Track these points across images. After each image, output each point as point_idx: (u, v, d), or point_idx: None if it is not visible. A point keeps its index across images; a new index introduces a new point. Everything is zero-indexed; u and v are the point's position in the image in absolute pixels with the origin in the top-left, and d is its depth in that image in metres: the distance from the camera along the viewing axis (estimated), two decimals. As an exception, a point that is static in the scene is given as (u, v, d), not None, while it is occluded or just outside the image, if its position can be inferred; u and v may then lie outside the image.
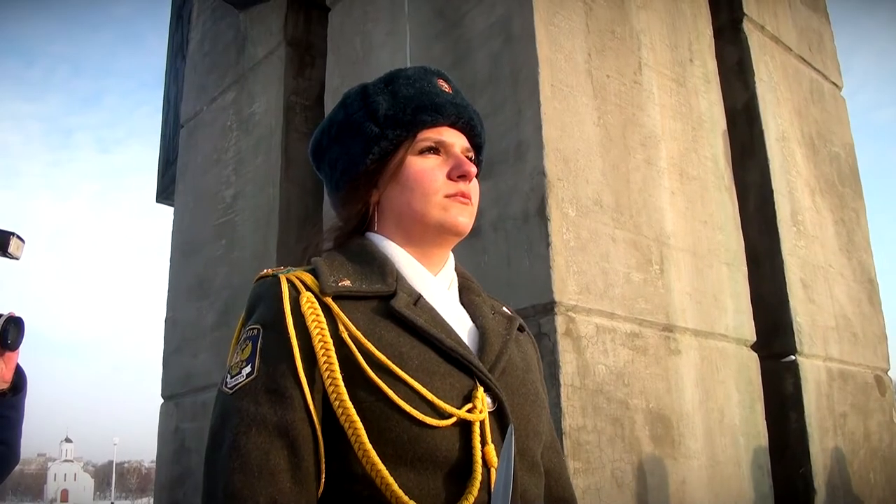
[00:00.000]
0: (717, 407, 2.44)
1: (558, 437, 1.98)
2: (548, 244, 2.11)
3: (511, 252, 2.22)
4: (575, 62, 2.39)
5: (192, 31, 4.27)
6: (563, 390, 2.01)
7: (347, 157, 1.10)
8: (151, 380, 3.85)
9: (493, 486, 0.93)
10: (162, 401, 3.74)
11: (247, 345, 0.98)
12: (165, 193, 4.86)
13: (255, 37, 3.62)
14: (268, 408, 0.91)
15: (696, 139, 2.73)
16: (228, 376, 0.97)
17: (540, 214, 2.15)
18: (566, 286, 2.10)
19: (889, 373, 3.72)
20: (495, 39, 2.44)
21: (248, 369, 0.95)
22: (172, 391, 3.67)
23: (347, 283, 1.00)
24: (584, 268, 2.17)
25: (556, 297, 2.07)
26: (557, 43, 2.36)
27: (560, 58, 2.35)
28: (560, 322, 2.06)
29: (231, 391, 0.94)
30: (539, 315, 2.10)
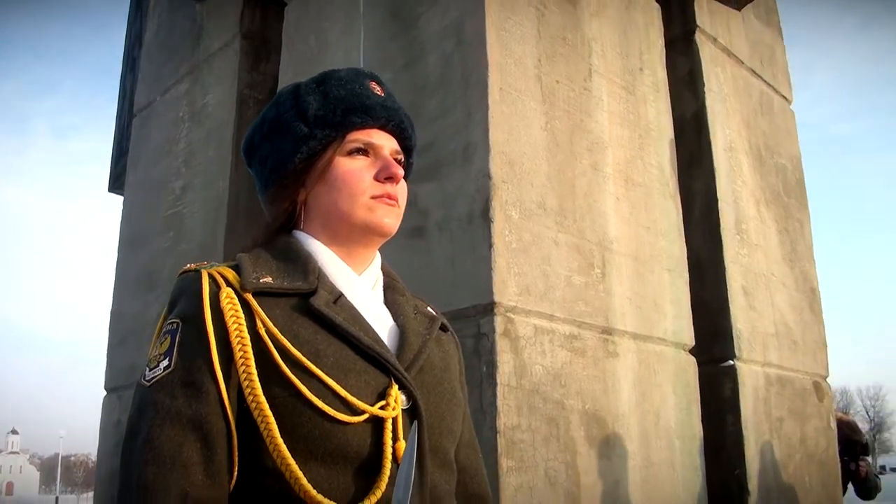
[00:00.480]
0: (653, 409, 2.49)
1: (493, 435, 2.02)
2: (490, 245, 2.14)
3: (455, 252, 2.25)
4: (525, 67, 2.43)
5: (149, 21, 4.23)
6: (499, 389, 2.03)
7: (277, 155, 1.12)
8: (100, 373, 3.80)
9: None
10: (105, 393, 3.69)
11: (166, 338, 0.99)
12: (118, 183, 4.81)
13: (211, 28, 3.59)
14: (183, 401, 0.93)
15: (643, 146, 2.78)
16: (147, 369, 0.98)
17: (484, 216, 2.18)
18: (506, 287, 2.13)
19: (828, 380, 3.82)
20: (448, 42, 2.46)
21: (165, 363, 0.96)
22: (116, 383, 3.63)
23: (269, 279, 1.02)
24: (526, 270, 2.20)
25: (496, 298, 2.10)
26: (508, 47, 2.39)
27: (510, 62, 2.38)
28: (499, 322, 2.08)
29: (149, 384, 0.96)
30: (479, 315, 2.12)
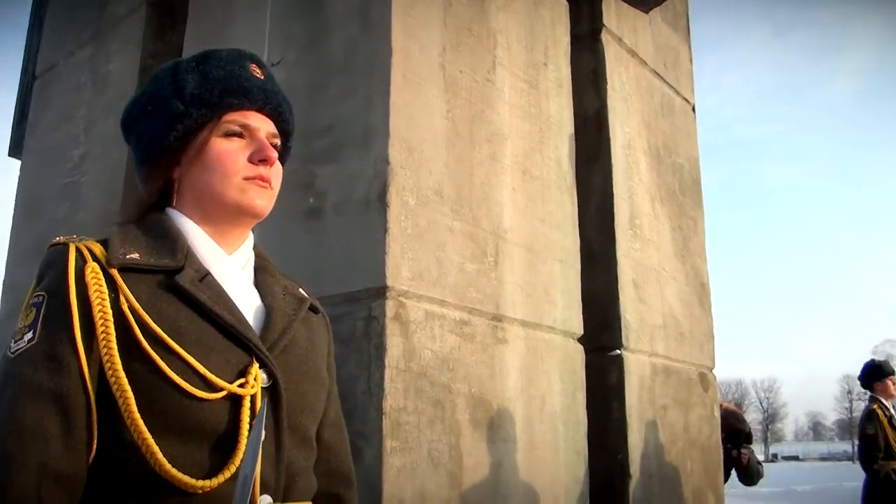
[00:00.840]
0: (539, 395, 2.58)
1: (378, 416, 2.06)
2: (385, 230, 2.17)
3: (350, 235, 2.27)
4: (429, 55, 2.46)
5: (55, -21, 4.06)
6: (387, 372, 2.07)
7: (152, 132, 1.13)
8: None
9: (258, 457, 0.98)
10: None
11: (31, 311, 1.00)
12: (18, 147, 4.63)
13: (117, -7, 3.49)
14: (45, 374, 0.94)
15: (543, 140, 2.86)
16: (13, 341, 0.99)
17: (380, 201, 2.20)
18: (400, 272, 2.17)
19: (715, 371, 4.02)
20: (353, 24, 2.47)
21: (29, 335, 0.97)
22: (4, 356, 3.50)
23: (136, 255, 1.03)
24: (420, 255, 2.24)
25: (389, 282, 2.14)
26: (413, 34, 2.41)
27: (414, 49, 2.41)
28: (390, 306, 2.12)
29: (13, 356, 0.97)
30: (371, 298, 2.16)
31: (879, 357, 6.44)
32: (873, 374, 5.35)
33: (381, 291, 2.14)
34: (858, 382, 5.65)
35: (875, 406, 5.01)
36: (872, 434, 4.49)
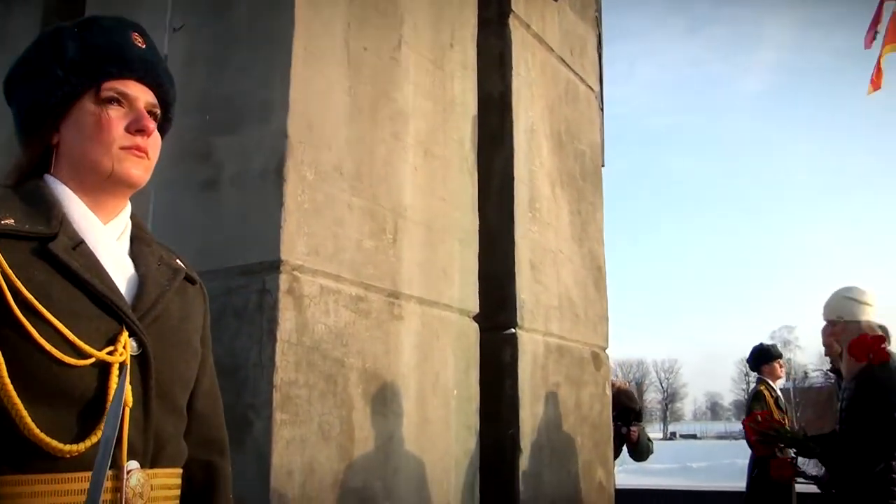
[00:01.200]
0: (432, 371, 2.64)
1: (269, 389, 2.07)
2: (281, 204, 2.17)
3: (247, 208, 2.26)
4: (333, 30, 2.45)
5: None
6: (278, 346, 2.09)
7: (32, 97, 1.15)
8: None
9: (125, 423, 1.01)
10: None
11: None
12: None
13: (10, -54, 3.32)
14: None
15: (446, 121, 2.90)
16: None
17: (277, 175, 2.20)
18: (295, 246, 2.18)
19: (607, 350, 4.19)
20: (257, -6, 2.43)
21: None
22: None
23: (10, 221, 1.03)
24: (316, 230, 2.25)
25: (283, 256, 2.14)
26: (317, 8, 2.40)
27: (318, 23, 2.40)
28: (283, 280, 2.13)
29: None
30: (265, 272, 2.16)
31: (777, 342, 6.81)
32: (762, 357, 5.65)
33: (275, 265, 2.14)
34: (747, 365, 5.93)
35: (762, 387, 5.30)
36: (759, 414, 4.74)
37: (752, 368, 5.77)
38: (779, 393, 5.46)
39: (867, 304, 3.74)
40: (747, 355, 5.86)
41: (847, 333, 3.69)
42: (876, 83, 5.70)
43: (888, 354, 2.91)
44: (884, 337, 2.93)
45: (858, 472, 3.39)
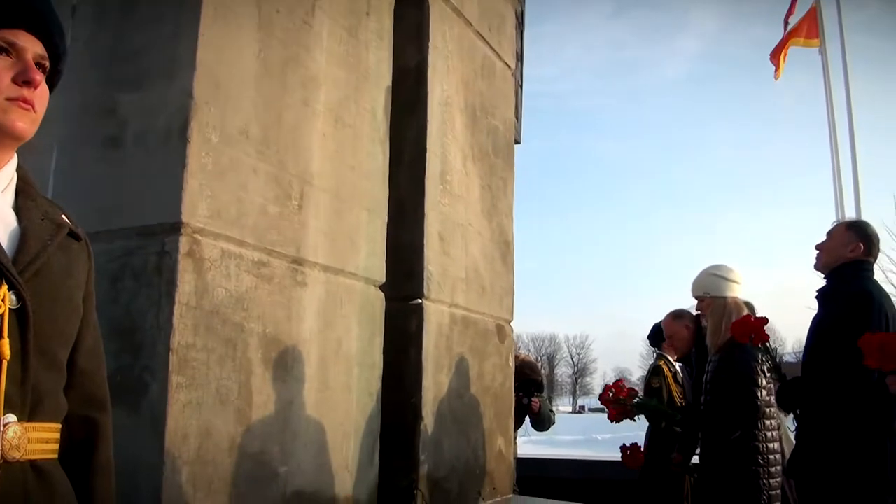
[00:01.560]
0: (335, 337, 2.67)
1: (166, 352, 2.06)
2: (184, 165, 2.14)
3: (150, 168, 2.21)
4: (244, -10, 2.41)
5: None
6: (176, 308, 2.07)
7: None
8: None
9: (2, 376, 1.00)
10: None
11: None
12: None
13: None
14: None
15: (359, 90, 2.90)
16: None
17: (181, 135, 2.16)
18: (196, 209, 2.15)
19: (512, 323, 4.29)
20: (166, -52, 2.36)
21: None
22: None
23: None
24: (219, 193, 2.23)
25: (184, 219, 2.11)
26: (228, -33, 2.35)
27: (229, -18, 2.35)
28: (184, 242, 2.10)
29: None
30: (164, 234, 2.13)
31: None
32: (662, 333, 5.88)
33: (175, 227, 2.11)
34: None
35: (661, 362, 5.51)
36: (657, 387, 4.91)
37: (653, 344, 5.98)
38: (677, 368, 5.69)
39: (734, 282, 3.96)
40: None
41: (714, 309, 3.91)
42: (778, 69, 5.96)
43: (768, 336, 3.09)
44: (766, 319, 3.10)
45: (719, 439, 3.65)
